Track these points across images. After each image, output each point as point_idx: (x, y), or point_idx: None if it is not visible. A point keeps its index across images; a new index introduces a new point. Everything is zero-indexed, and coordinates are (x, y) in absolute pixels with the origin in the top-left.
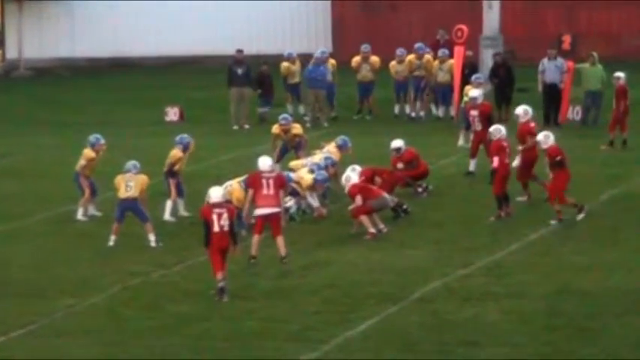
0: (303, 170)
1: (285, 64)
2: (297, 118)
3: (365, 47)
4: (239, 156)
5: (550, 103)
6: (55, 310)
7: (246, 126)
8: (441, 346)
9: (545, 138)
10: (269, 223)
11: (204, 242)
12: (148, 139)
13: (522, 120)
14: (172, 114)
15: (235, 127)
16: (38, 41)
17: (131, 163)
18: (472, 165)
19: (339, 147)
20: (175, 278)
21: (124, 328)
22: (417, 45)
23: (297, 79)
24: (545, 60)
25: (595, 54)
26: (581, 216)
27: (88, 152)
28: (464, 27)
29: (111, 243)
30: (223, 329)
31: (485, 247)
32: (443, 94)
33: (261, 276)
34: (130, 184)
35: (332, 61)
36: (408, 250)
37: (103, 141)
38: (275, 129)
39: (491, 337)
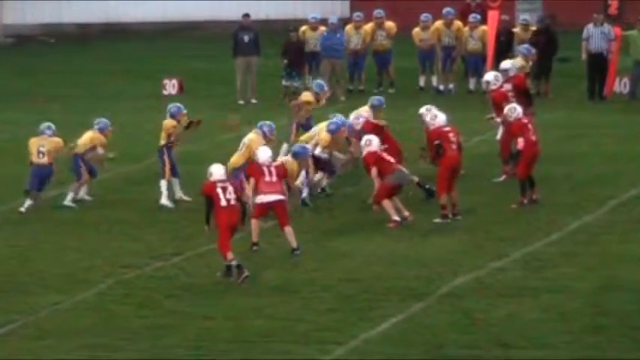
0: (323, 125)
1: (302, 29)
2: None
3: (378, 12)
4: (245, 134)
5: (595, 74)
6: (39, 307)
7: (254, 100)
8: (471, 349)
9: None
10: (274, 212)
11: (205, 219)
12: (144, 115)
13: (493, 87)
14: (171, 86)
15: (241, 102)
16: (20, 5)
17: (45, 125)
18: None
19: (373, 107)
20: (173, 272)
21: (116, 328)
22: (445, 10)
23: (315, 48)
24: (590, 26)
25: None
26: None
27: (169, 122)
28: None
29: (22, 209)
30: (226, 329)
31: (521, 237)
32: (474, 64)
33: (268, 269)
34: (42, 149)
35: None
36: (435, 240)
37: (184, 111)
38: (307, 97)
39: (528, 338)
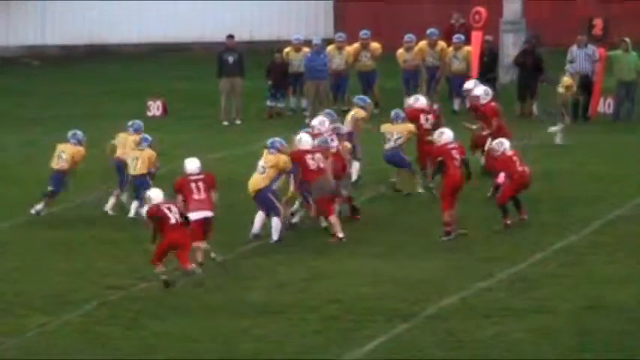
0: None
1: (285, 50)
2: (298, 112)
3: (364, 33)
4: (229, 155)
5: (579, 95)
6: (24, 329)
7: (238, 121)
8: None
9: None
10: (201, 227)
11: (152, 239)
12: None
13: (483, 101)
14: (155, 107)
15: (225, 123)
16: (4, 27)
17: (71, 133)
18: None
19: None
20: (159, 293)
21: (102, 350)
22: (429, 30)
23: (299, 69)
24: (574, 48)
25: (628, 40)
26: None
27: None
28: (482, 9)
29: (32, 211)
30: (213, 351)
31: (506, 257)
32: (458, 84)
33: (254, 289)
34: (62, 155)
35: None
36: (421, 261)
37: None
38: (359, 113)
39: (513, 358)
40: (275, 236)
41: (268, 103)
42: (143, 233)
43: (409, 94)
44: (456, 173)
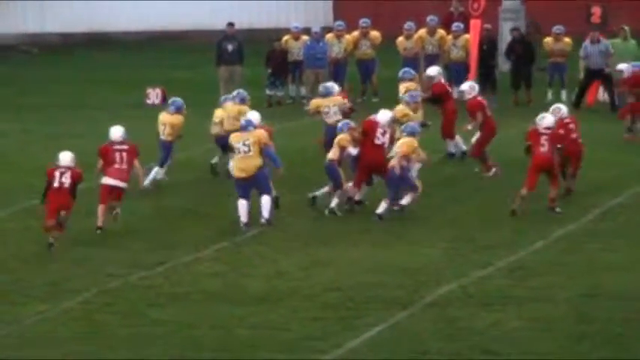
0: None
1: (285, 38)
2: (298, 101)
3: (364, 22)
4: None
5: (590, 86)
6: (23, 317)
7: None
8: (456, 357)
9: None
10: (112, 194)
11: (42, 198)
12: (127, 124)
13: (468, 96)
14: (154, 96)
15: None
16: (4, 14)
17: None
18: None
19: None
20: (157, 281)
21: (101, 337)
22: (429, 17)
23: (298, 57)
24: (587, 44)
25: (627, 27)
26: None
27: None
28: None
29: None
30: (211, 338)
31: (505, 245)
32: (457, 72)
33: (253, 277)
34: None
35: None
36: (420, 249)
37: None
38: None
39: (512, 346)
40: (266, 214)
41: (267, 91)
42: (141, 222)
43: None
44: (539, 156)
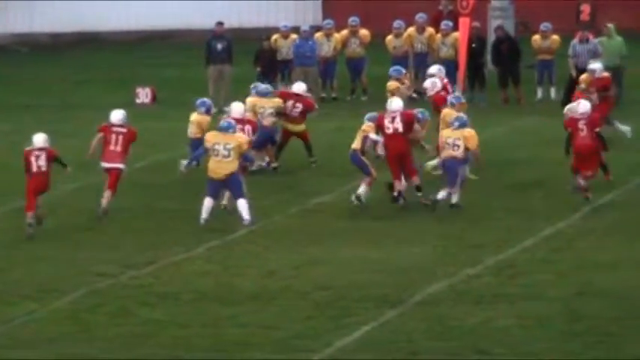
0: None
1: (274, 37)
2: None
3: (353, 20)
4: None
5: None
6: (13, 316)
7: (226, 108)
8: (447, 356)
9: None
10: (111, 176)
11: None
12: None
13: (431, 92)
14: (144, 95)
15: (214, 110)
16: None
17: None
18: None
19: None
20: (147, 280)
21: (91, 337)
22: (418, 15)
23: (287, 56)
24: (575, 43)
25: (611, 25)
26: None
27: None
28: None
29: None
30: (202, 337)
31: (495, 244)
32: (446, 71)
33: (244, 276)
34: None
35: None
36: (410, 247)
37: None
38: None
39: (503, 344)
40: (246, 216)
41: None
42: (131, 221)
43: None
44: (580, 142)
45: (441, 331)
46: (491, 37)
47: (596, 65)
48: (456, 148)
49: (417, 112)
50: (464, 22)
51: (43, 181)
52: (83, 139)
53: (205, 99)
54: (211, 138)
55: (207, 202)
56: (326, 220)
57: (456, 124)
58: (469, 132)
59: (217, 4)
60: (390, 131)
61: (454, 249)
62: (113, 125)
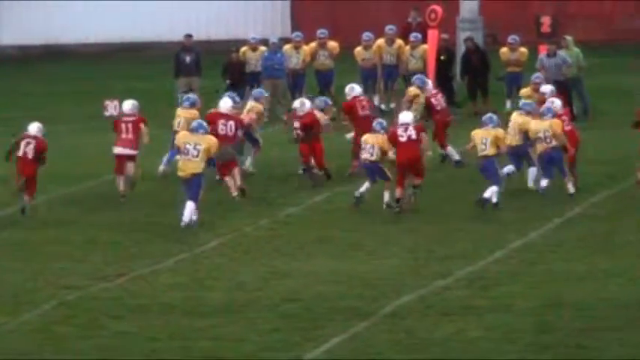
0: None
1: (242, 50)
2: None
3: (321, 32)
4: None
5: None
6: None
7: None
8: None
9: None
10: (122, 162)
11: (5, 156)
12: (85, 136)
13: (348, 97)
14: (112, 107)
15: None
16: None
17: (185, 97)
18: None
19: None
20: (117, 292)
21: (61, 350)
22: (387, 27)
23: (256, 68)
24: (543, 57)
25: (568, 37)
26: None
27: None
28: (437, 8)
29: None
30: (172, 350)
31: (465, 255)
32: None
33: (213, 289)
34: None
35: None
36: (379, 259)
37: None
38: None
39: (473, 356)
40: (187, 217)
41: None
42: (100, 234)
43: (367, 93)
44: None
45: (410, 343)
46: (461, 50)
47: (546, 87)
48: (482, 147)
49: (376, 122)
50: (432, 34)
51: (28, 167)
52: (52, 151)
53: (191, 94)
54: (182, 138)
55: (188, 206)
56: (295, 231)
57: (493, 124)
58: (500, 132)
59: (185, 17)
60: (404, 139)
61: (424, 260)
62: (124, 115)
